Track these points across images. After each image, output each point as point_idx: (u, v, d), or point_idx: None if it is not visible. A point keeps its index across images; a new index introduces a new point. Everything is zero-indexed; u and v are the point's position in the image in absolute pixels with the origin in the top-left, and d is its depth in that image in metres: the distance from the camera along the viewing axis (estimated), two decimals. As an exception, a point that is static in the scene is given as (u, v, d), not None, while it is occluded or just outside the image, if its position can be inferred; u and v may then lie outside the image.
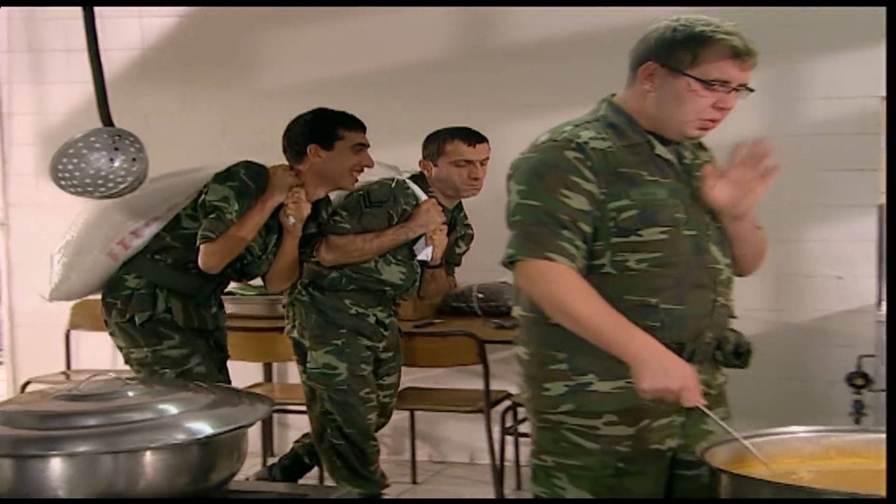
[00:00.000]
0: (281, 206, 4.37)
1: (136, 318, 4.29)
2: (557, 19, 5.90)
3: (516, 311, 2.88)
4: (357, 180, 4.56)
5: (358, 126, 4.53)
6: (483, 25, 6.18)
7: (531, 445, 2.89)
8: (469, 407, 5.48)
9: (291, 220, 4.35)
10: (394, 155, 4.83)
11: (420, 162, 4.81)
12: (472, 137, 4.75)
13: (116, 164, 3.91)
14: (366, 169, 4.51)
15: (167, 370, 4.30)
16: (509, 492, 5.45)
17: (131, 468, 2.15)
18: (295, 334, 4.81)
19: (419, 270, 4.82)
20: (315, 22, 6.28)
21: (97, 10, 3.80)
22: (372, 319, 4.81)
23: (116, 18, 6.02)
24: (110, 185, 3.90)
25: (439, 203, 4.70)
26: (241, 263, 4.40)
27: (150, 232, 4.31)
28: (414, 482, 5.80)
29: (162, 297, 4.32)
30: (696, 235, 2.77)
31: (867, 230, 5.30)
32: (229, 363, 4.67)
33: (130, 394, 2.32)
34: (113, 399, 2.29)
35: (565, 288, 2.65)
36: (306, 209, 4.40)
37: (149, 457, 2.15)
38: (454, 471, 6.01)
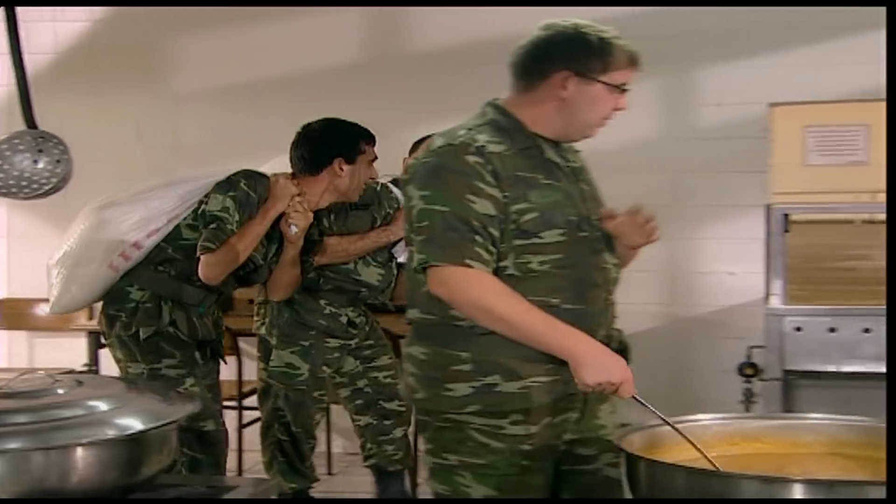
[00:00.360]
0: (281, 215, 4.26)
1: (141, 333, 4.14)
2: (468, 25, 5.94)
3: (413, 314, 2.82)
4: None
5: (373, 140, 4.47)
6: (394, 31, 6.18)
7: (427, 444, 2.84)
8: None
9: (294, 229, 4.25)
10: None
11: (404, 160, 4.71)
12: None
13: (40, 165, 3.80)
14: None
15: None
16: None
17: (62, 464, 2.10)
18: (263, 332, 4.72)
19: (395, 273, 4.78)
20: (229, 25, 6.23)
21: (9, 13, 3.72)
22: (344, 319, 4.73)
23: (30, 22, 5.88)
24: (34, 186, 3.80)
25: None
26: (244, 272, 4.31)
27: (151, 243, 4.16)
28: (329, 473, 5.80)
29: (167, 309, 4.18)
30: (589, 237, 2.78)
31: (756, 229, 5.40)
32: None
33: (60, 391, 2.26)
34: (43, 396, 2.23)
35: (490, 292, 2.63)
36: (309, 219, 4.30)
37: (80, 453, 2.10)
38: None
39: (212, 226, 4.07)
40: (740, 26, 5.58)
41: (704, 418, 2.73)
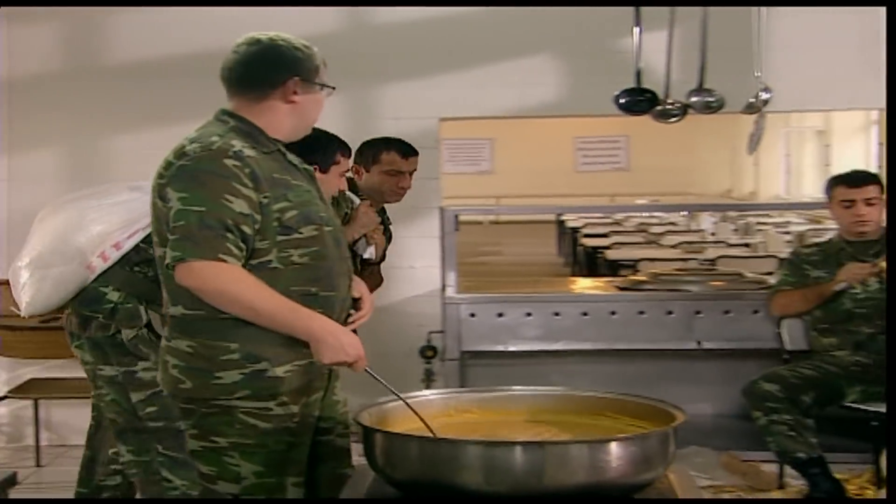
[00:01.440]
0: None
1: (124, 334, 3.67)
2: (169, 39, 5.73)
3: (175, 310, 2.74)
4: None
5: (350, 151, 4.10)
6: (90, 42, 5.87)
7: (191, 430, 2.76)
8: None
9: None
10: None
11: (352, 167, 4.40)
12: (408, 150, 4.45)
13: None
14: None
15: (136, 392, 3.66)
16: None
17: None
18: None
19: (358, 268, 4.37)
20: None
21: None
22: None
23: None
24: None
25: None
26: None
27: (130, 244, 3.66)
28: (38, 465, 5.42)
29: (142, 309, 3.68)
30: (334, 231, 2.81)
31: (433, 228, 5.55)
32: None
33: None
34: None
35: (242, 284, 2.60)
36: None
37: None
38: (74, 452, 5.62)
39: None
40: (417, 50, 5.69)
41: (427, 393, 2.81)
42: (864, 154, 12.79)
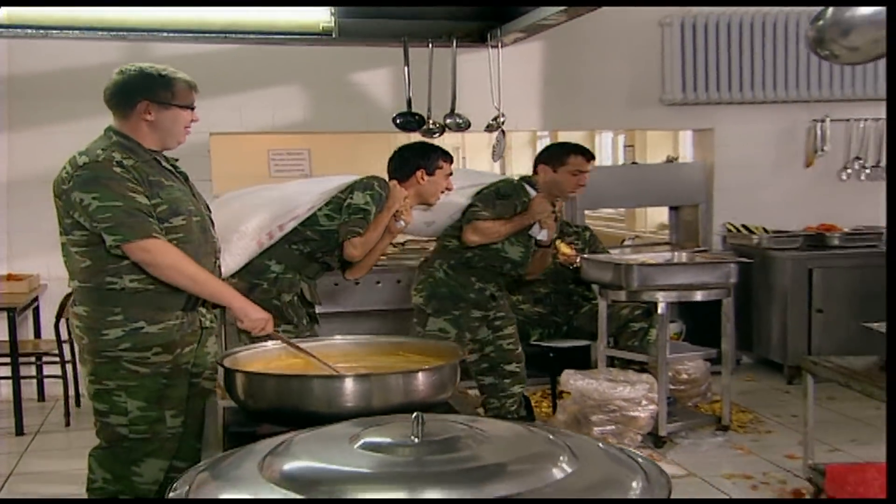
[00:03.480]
0: None
1: (282, 298, 3.72)
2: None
3: (73, 284, 2.80)
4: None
5: (451, 158, 4.06)
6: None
7: (89, 375, 2.82)
8: None
9: (401, 223, 3.81)
10: None
11: (539, 166, 4.35)
12: (590, 155, 4.37)
13: None
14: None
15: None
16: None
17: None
18: (420, 301, 4.32)
19: (533, 250, 4.28)
20: None
21: None
22: (488, 293, 4.34)
23: None
24: None
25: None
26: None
27: (290, 226, 3.72)
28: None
29: (299, 279, 3.76)
30: (201, 220, 2.90)
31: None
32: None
33: None
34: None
35: (181, 258, 2.73)
36: (412, 217, 3.89)
37: None
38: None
39: (357, 216, 3.68)
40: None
41: (269, 344, 2.73)
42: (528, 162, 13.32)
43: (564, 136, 6.47)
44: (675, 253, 5.44)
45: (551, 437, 1.51)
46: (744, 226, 6.41)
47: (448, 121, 5.28)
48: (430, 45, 5.02)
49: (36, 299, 5.43)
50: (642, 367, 4.87)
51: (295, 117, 5.99)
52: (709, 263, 4.85)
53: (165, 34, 4.67)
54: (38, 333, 5.51)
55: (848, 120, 6.53)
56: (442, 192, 4.01)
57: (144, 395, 2.79)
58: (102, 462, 2.88)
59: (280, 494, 1.31)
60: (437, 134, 5.35)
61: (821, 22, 2.28)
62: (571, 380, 4.55)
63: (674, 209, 6.74)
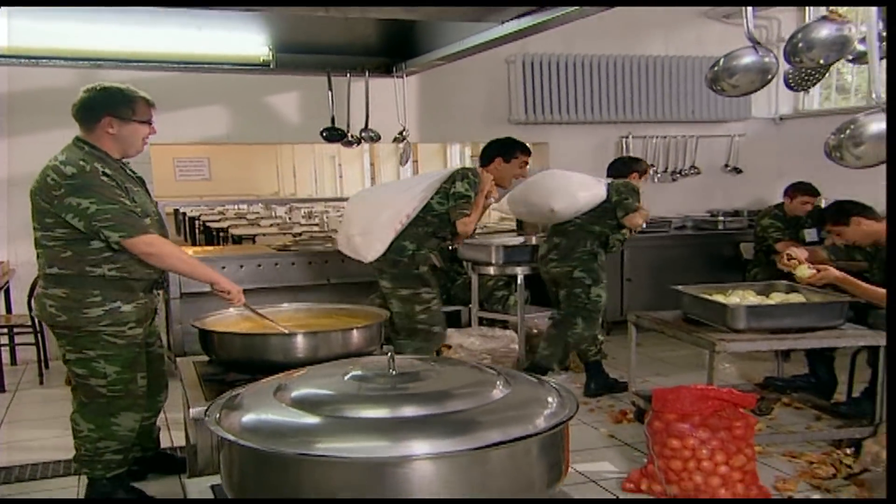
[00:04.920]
0: None
1: (420, 269, 3.84)
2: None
3: (52, 270, 2.63)
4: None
5: (528, 150, 4.13)
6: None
7: (67, 346, 2.69)
8: None
9: (492, 200, 3.97)
10: None
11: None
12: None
13: None
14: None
15: (416, 305, 3.82)
16: None
17: None
18: (579, 275, 4.33)
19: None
20: None
21: None
22: None
23: None
24: None
25: None
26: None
27: (414, 212, 3.81)
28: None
29: (427, 253, 3.85)
30: (158, 218, 2.83)
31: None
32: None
33: None
34: None
35: (176, 248, 2.66)
36: (497, 196, 4.09)
37: None
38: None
39: (462, 200, 3.77)
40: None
41: (232, 311, 2.77)
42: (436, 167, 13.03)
43: (426, 148, 6.45)
44: (526, 237, 5.67)
45: (489, 370, 1.63)
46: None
47: (363, 134, 5.30)
48: (349, 75, 5.06)
49: (7, 283, 5.26)
50: (504, 325, 5.08)
51: (218, 131, 5.84)
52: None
53: (138, 63, 4.46)
54: (9, 310, 5.37)
55: (645, 137, 6.96)
56: (515, 177, 4.12)
57: (121, 362, 2.74)
58: (85, 416, 2.81)
59: (296, 413, 1.37)
60: (355, 144, 5.35)
61: (716, 68, 2.55)
62: (452, 336, 4.70)
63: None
